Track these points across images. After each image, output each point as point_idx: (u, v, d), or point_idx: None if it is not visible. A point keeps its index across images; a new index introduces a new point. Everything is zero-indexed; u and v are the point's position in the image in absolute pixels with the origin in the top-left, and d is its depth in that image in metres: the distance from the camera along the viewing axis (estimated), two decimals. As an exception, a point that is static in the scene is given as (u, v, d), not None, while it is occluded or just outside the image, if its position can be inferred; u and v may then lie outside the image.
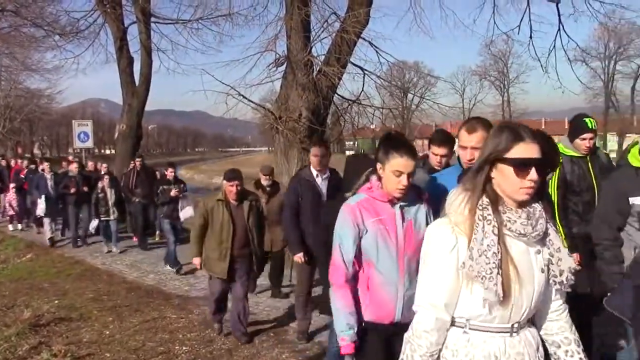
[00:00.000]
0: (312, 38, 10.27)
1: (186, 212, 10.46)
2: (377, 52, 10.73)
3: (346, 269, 3.07)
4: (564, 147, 4.99)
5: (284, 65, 10.37)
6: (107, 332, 6.97)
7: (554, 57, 14.00)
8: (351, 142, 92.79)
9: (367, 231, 3.06)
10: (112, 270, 10.85)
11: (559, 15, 12.81)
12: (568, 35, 13.74)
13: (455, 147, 3.69)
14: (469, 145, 3.19)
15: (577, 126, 4.95)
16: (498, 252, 2.10)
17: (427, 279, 2.27)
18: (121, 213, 12.91)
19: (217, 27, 18.25)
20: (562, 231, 4.70)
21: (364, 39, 10.43)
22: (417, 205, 3.14)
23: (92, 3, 19.30)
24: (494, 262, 2.09)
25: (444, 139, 4.83)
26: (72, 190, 12.79)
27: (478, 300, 2.16)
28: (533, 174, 2.11)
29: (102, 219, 12.27)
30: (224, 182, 6.42)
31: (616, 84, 65.77)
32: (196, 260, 6.53)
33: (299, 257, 6.13)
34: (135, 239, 13.77)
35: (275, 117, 10.05)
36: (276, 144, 10.43)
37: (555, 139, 4.34)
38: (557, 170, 4.83)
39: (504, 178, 2.16)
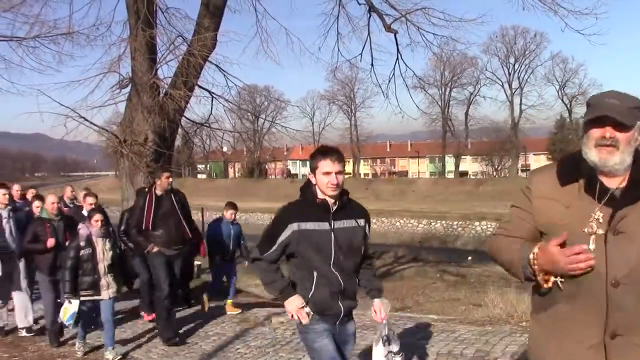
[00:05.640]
0: (158, 60, 10.10)
1: None
2: (225, 75, 10.80)
3: None
4: None
5: (129, 87, 10.09)
6: None
7: (394, 84, 14.78)
8: (202, 166, 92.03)
9: None
10: None
11: (397, 45, 13.66)
12: (406, 64, 14.63)
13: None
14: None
15: None
16: None
17: None
18: (124, 282, 6.96)
19: (56, 46, 17.28)
20: None
21: (211, 62, 10.44)
22: None
23: None
24: None
25: None
26: (49, 244, 7.05)
27: None
28: None
29: (85, 298, 6.39)
30: None
31: (452, 110, 71.29)
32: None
33: None
34: (147, 317, 8.27)
35: (120, 140, 9.73)
36: (121, 168, 10.09)
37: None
38: None
39: None
